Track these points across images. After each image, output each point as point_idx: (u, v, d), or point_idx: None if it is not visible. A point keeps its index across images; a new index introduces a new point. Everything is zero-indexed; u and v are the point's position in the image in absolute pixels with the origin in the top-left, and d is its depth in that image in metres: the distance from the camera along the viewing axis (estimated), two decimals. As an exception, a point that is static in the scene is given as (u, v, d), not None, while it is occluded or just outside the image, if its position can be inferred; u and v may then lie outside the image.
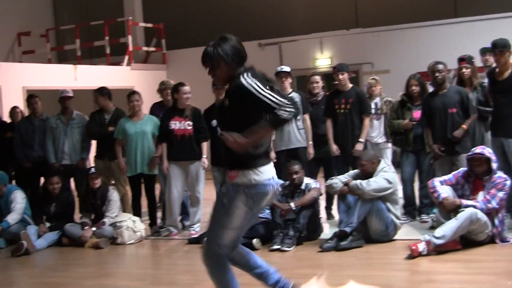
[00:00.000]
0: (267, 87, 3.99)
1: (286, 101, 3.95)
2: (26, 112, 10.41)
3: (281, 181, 7.88)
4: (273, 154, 8.45)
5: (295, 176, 7.58)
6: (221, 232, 4.19)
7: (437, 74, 7.74)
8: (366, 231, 7.18)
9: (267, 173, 4.15)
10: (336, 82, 8.48)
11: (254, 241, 7.25)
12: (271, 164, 4.25)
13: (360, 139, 8.24)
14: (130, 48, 16.68)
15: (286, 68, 8.63)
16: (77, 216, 8.82)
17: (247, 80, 3.98)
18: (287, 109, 3.93)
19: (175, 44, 17.71)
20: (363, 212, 7.04)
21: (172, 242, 8.16)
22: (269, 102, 3.93)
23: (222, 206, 4.21)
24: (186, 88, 8.24)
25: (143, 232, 8.34)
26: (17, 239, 8.16)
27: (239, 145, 3.95)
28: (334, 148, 8.31)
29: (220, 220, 4.19)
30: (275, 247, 7.14)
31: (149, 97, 10.23)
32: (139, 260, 7.73)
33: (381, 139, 9.10)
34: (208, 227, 4.39)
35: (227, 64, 4.08)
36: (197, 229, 8.22)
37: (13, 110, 10.78)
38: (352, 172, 7.64)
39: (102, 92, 9.25)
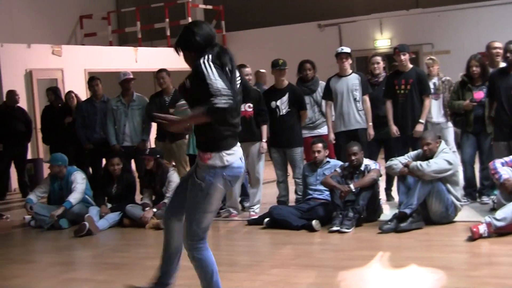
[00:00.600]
0: (222, 72, 4.03)
1: (226, 91, 3.93)
2: (84, 96, 10.60)
3: (341, 163, 7.85)
4: (332, 135, 8.41)
5: (353, 158, 7.51)
6: (203, 217, 4.18)
7: (508, 55, 7.52)
8: (426, 212, 7.08)
9: (237, 154, 4.20)
10: (397, 63, 8.37)
11: (314, 222, 7.23)
12: (239, 145, 4.28)
13: (421, 120, 8.11)
14: (190, 30, 16.74)
15: (347, 49, 8.55)
16: (138, 197, 8.94)
17: (204, 64, 4.03)
18: (223, 99, 3.89)
19: (235, 26, 17.72)
20: (423, 193, 6.94)
21: (232, 223, 8.20)
22: (210, 88, 3.95)
23: (196, 190, 4.16)
24: (247, 70, 8.23)
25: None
26: (79, 219, 8.32)
27: (172, 127, 4.07)
28: (394, 129, 8.20)
29: (199, 206, 4.16)
30: (334, 228, 7.11)
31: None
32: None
33: (441, 119, 8.94)
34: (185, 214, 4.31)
35: (190, 51, 4.18)
36: (256, 210, 8.24)
37: (68, 95, 10.87)
38: (412, 153, 7.53)
39: (168, 72, 9.35)
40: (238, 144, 4.27)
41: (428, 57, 9.33)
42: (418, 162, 7.05)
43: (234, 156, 4.15)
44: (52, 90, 11.43)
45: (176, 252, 4.46)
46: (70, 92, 11.02)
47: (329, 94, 8.50)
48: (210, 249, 4.29)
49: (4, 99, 11.87)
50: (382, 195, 8.17)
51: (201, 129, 4.12)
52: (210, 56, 4.08)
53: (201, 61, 4.05)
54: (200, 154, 4.17)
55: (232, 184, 4.23)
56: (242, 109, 8.15)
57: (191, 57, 4.17)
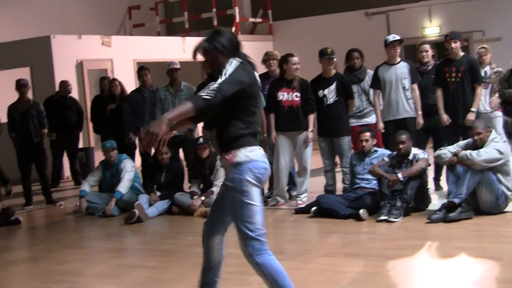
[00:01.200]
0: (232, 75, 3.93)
1: (215, 86, 3.83)
2: (132, 86, 10.72)
3: (388, 152, 7.81)
4: (381, 125, 8.36)
5: (401, 146, 7.47)
6: (249, 216, 4.02)
7: None
8: (476, 202, 7.00)
9: (259, 151, 4.08)
10: (448, 52, 8.26)
11: (361, 211, 7.22)
12: (260, 147, 4.12)
13: (472, 109, 7.99)
14: (237, 19, 16.82)
15: (398, 37, 8.48)
16: (186, 185, 9.05)
17: (226, 66, 3.95)
18: (207, 91, 3.80)
19: (281, 15, 17.70)
20: (472, 183, 6.86)
21: (279, 211, 8.24)
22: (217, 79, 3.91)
23: (232, 194, 4.03)
24: (295, 59, 8.22)
25: (250, 201, 8.44)
26: (129, 207, 8.48)
27: (159, 125, 3.76)
28: (445, 117, 8.09)
29: (241, 206, 4.01)
30: (382, 218, 7.08)
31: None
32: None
33: (489, 108, 8.82)
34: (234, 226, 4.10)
35: (223, 55, 4.02)
36: (304, 199, 8.26)
37: (113, 82, 11.00)
38: (462, 142, 7.45)
39: None
40: (259, 146, 4.13)
41: (481, 46, 9.20)
42: (468, 151, 6.97)
43: (256, 152, 4.05)
44: (107, 79, 11.63)
45: (219, 266, 4.33)
46: (114, 79, 11.20)
47: (377, 82, 8.44)
48: (273, 254, 4.08)
49: (57, 89, 12.12)
50: (431, 185, 8.10)
51: (219, 130, 4.09)
52: (239, 59, 4.02)
53: (232, 59, 3.98)
54: (224, 157, 4.06)
55: (262, 181, 4.09)
56: (289, 98, 8.19)
57: (219, 60, 4.03)
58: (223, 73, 3.88)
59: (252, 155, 4.02)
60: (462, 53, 8.17)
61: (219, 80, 3.84)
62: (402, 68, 8.30)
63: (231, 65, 3.93)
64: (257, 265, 3.99)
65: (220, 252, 4.30)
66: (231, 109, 3.99)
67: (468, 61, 8.13)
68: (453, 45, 8.07)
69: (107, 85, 11.28)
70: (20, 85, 9.94)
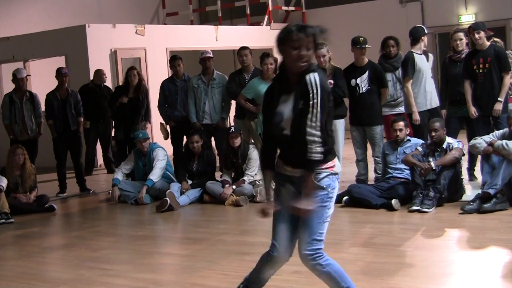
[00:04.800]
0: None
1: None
2: (166, 74, 10.63)
3: (422, 141, 7.74)
4: (417, 116, 8.27)
5: (434, 134, 7.39)
6: (324, 226, 3.89)
7: None
8: (511, 193, 6.89)
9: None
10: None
11: (393, 201, 7.17)
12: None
13: (499, 98, 7.90)
14: (270, 8, 16.77)
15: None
16: (217, 174, 9.07)
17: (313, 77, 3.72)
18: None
19: (315, 3, 17.60)
20: (508, 173, 6.76)
21: (310, 200, 8.20)
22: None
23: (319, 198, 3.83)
24: (323, 51, 8.15)
25: (281, 191, 8.43)
26: (161, 195, 8.53)
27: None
28: (473, 110, 8.02)
29: (322, 214, 3.84)
30: (415, 208, 7.02)
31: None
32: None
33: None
34: (299, 233, 3.90)
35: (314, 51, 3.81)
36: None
37: (130, 72, 10.14)
38: (498, 132, 7.35)
39: (251, 50, 9.39)
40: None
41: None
42: (504, 141, 6.88)
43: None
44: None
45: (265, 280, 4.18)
46: (132, 68, 10.30)
47: (412, 71, 8.34)
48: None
49: (91, 77, 12.22)
50: (465, 175, 8.01)
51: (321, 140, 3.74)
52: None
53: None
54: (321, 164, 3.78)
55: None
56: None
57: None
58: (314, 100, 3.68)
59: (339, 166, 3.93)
60: (488, 43, 8.08)
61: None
62: (431, 58, 8.36)
63: (318, 82, 3.72)
64: (324, 267, 3.87)
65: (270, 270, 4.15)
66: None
67: (495, 50, 8.04)
68: (476, 36, 7.99)
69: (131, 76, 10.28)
70: (61, 74, 10.08)
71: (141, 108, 9.95)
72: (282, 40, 3.76)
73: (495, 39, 8.74)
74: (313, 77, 3.70)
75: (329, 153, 3.81)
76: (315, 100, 3.66)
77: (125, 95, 9.96)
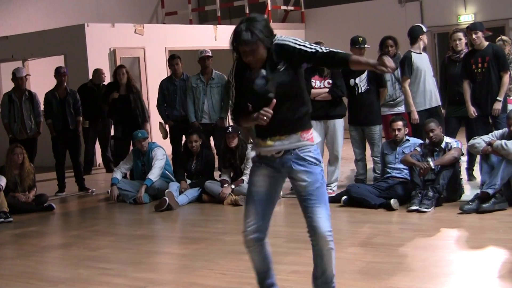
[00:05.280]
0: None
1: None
2: (165, 73, 10.61)
3: (421, 141, 7.74)
4: (416, 116, 8.28)
5: (432, 134, 7.39)
6: (327, 202, 3.93)
7: None
8: (510, 193, 6.90)
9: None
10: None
11: (392, 201, 7.17)
12: None
13: (498, 98, 7.91)
14: (269, 7, 16.77)
15: (423, 27, 8.57)
16: (216, 173, 9.06)
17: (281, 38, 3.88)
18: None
19: (314, 3, 17.60)
20: (507, 173, 6.76)
21: (309, 200, 8.19)
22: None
23: (315, 176, 3.85)
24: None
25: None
26: (160, 194, 8.53)
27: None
28: (472, 110, 8.03)
29: (324, 191, 3.88)
30: (413, 207, 7.02)
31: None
32: (276, 218, 7.80)
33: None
34: (311, 211, 3.88)
35: (265, 46, 3.82)
36: (334, 188, 8.21)
37: (119, 70, 10.05)
38: (497, 132, 7.35)
39: None
40: None
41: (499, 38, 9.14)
42: (503, 141, 6.87)
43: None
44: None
45: (271, 265, 4.18)
46: (121, 66, 10.28)
47: (410, 70, 8.37)
48: None
49: (90, 77, 12.22)
50: (464, 175, 8.01)
51: (295, 106, 3.86)
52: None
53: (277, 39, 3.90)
54: (302, 135, 3.86)
55: None
56: (321, 85, 8.15)
57: (264, 52, 3.85)
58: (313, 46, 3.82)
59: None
60: (486, 43, 8.09)
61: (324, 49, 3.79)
62: (427, 58, 8.36)
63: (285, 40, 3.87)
64: (332, 248, 3.91)
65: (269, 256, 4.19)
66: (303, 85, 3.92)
67: (493, 50, 8.05)
68: (473, 36, 8.01)
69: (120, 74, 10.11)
70: (60, 73, 10.08)
71: (134, 108, 9.84)
72: (233, 47, 3.90)
73: (503, 37, 8.76)
74: (280, 41, 3.85)
75: (309, 118, 3.91)
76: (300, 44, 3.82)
77: (116, 91, 9.90)
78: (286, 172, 3.94)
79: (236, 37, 3.83)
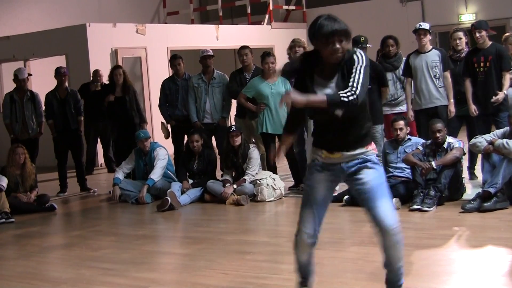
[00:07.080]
0: None
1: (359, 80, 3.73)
2: (167, 73, 10.62)
3: (422, 140, 7.73)
4: (411, 113, 8.28)
5: (438, 135, 7.37)
6: (391, 201, 4.04)
7: None
8: (511, 192, 6.91)
9: None
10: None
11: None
12: None
13: (501, 91, 7.90)
14: (271, 7, 16.76)
15: (425, 25, 8.44)
16: (218, 173, 9.06)
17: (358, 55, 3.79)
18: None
19: (315, 2, 17.60)
20: (508, 172, 6.76)
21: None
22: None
23: (379, 175, 3.95)
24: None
25: (282, 190, 8.44)
26: (162, 194, 8.53)
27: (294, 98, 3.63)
28: (473, 108, 8.03)
29: (386, 190, 3.96)
30: (415, 207, 7.02)
31: (288, 56, 10.25)
32: (278, 217, 7.85)
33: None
34: (378, 208, 3.96)
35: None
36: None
37: (116, 71, 9.94)
38: (499, 131, 7.35)
39: (251, 49, 9.39)
40: None
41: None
42: (505, 140, 6.87)
43: None
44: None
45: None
46: (117, 67, 10.19)
47: (409, 71, 8.39)
48: None
49: (91, 77, 12.22)
50: (465, 174, 8.01)
51: (363, 122, 3.95)
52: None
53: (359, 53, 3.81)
54: (368, 147, 3.96)
55: None
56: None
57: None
58: (359, 64, 3.71)
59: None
60: (490, 42, 8.07)
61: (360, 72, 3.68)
62: (432, 56, 8.26)
63: (363, 55, 3.77)
64: (401, 239, 4.03)
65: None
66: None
67: (496, 49, 8.04)
68: (477, 34, 7.99)
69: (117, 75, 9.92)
70: (60, 73, 10.08)
71: (130, 110, 9.78)
72: (313, 36, 3.77)
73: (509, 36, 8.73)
74: (359, 53, 3.77)
75: (368, 136, 3.97)
76: (359, 64, 3.71)
77: (112, 93, 9.84)
78: (345, 176, 4.00)
79: (328, 26, 3.72)
